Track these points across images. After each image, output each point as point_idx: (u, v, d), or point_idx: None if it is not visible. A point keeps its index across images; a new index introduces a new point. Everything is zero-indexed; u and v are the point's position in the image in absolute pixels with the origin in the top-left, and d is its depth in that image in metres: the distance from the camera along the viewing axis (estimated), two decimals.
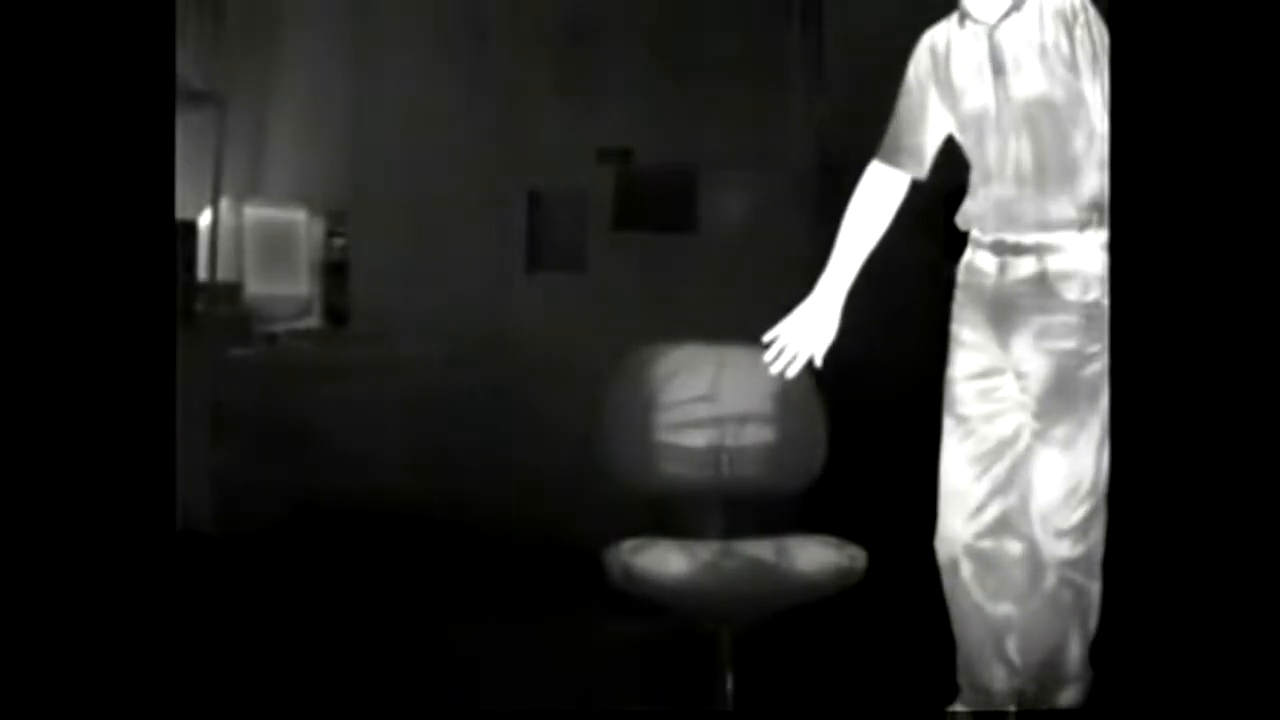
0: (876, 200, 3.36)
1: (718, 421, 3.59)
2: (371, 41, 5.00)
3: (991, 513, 3.24)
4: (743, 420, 3.59)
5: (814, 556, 3.37)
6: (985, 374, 3.24)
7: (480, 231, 5.09)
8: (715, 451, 3.59)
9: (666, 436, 3.58)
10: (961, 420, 3.26)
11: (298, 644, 3.87)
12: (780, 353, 3.26)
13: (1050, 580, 3.18)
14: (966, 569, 3.26)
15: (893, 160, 3.36)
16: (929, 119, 3.33)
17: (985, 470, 3.23)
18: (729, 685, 3.41)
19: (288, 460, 4.35)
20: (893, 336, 4.31)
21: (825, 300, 3.31)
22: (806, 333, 3.28)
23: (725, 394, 3.60)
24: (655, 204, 5.17)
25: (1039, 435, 3.16)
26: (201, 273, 4.27)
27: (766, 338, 3.27)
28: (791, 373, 3.27)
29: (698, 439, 3.59)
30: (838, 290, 3.32)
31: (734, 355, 3.49)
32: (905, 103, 3.35)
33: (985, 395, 3.24)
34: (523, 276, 5.16)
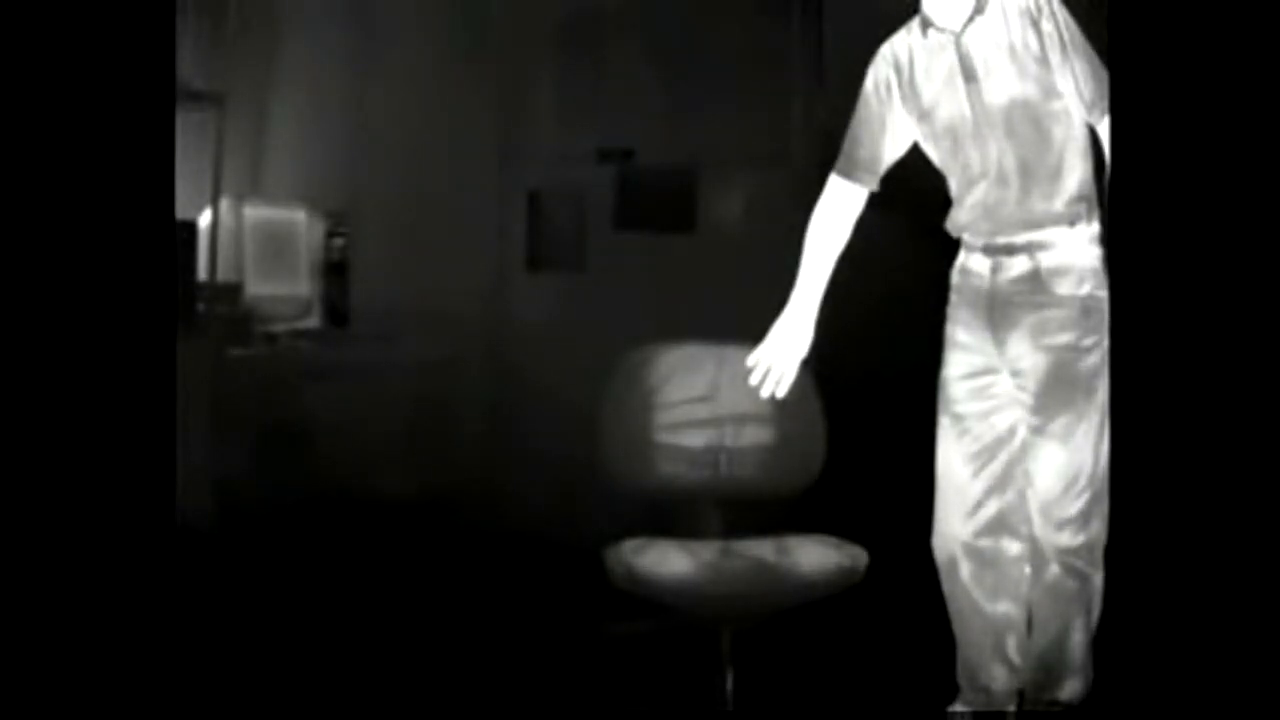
0: (835, 215, 3.38)
1: (717, 422, 3.60)
2: (371, 41, 5.00)
3: (989, 511, 3.25)
4: (742, 420, 3.60)
5: (814, 556, 3.37)
6: (979, 373, 3.25)
7: (480, 231, 5.09)
8: (714, 452, 3.59)
9: (666, 437, 3.58)
10: (957, 419, 3.27)
11: (297, 643, 3.87)
12: (765, 375, 3.28)
13: (1053, 570, 3.19)
14: (965, 568, 3.27)
15: (849, 174, 3.37)
16: (888, 131, 3.32)
17: (982, 468, 3.24)
18: (729, 685, 3.42)
19: (288, 460, 4.35)
20: (891, 337, 4.30)
21: (798, 316, 3.33)
22: (784, 350, 3.30)
23: (724, 394, 3.60)
24: (655, 204, 5.17)
25: (1037, 430, 3.17)
26: (201, 273, 4.25)
27: (749, 361, 3.29)
28: (781, 392, 3.29)
29: (697, 439, 3.59)
30: (809, 305, 3.34)
31: (733, 355, 3.50)
32: (862, 115, 3.35)
33: (979, 393, 3.25)
34: (523, 276, 5.15)
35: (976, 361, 3.26)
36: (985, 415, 3.25)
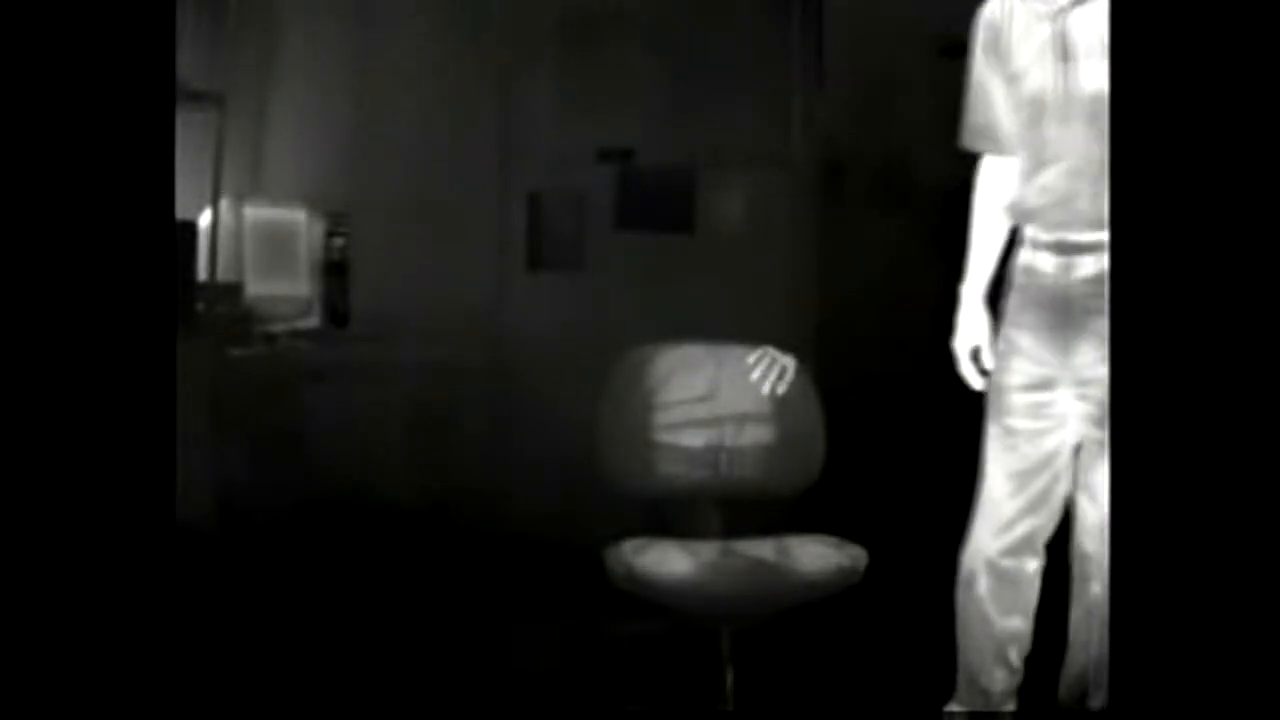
0: (983, 189, 3.32)
1: (717, 421, 3.59)
2: (371, 41, 5.00)
3: (1018, 531, 3.19)
4: (741, 420, 3.59)
5: (814, 556, 3.37)
6: (1039, 386, 3.16)
7: (480, 231, 5.09)
8: (714, 451, 3.59)
9: (665, 437, 3.58)
10: (1008, 432, 3.19)
11: (297, 643, 3.87)
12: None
13: (1094, 589, 3.10)
14: (983, 583, 3.22)
15: (969, 142, 3.31)
16: (993, 94, 3.23)
17: (1021, 487, 3.17)
18: (729, 684, 3.41)
19: (288, 460, 4.35)
20: (891, 337, 4.30)
21: (966, 299, 3.32)
22: (960, 338, 3.31)
23: (724, 394, 3.60)
24: (655, 204, 5.17)
25: (1102, 443, 3.06)
26: (201, 273, 4.25)
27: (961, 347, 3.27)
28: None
29: (696, 439, 3.59)
30: (972, 290, 3.32)
31: (733, 355, 3.49)
32: (969, 79, 3.27)
33: (1036, 410, 3.17)
34: (523, 276, 5.15)
35: (1037, 372, 3.17)
36: (1037, 435, 3.17)
